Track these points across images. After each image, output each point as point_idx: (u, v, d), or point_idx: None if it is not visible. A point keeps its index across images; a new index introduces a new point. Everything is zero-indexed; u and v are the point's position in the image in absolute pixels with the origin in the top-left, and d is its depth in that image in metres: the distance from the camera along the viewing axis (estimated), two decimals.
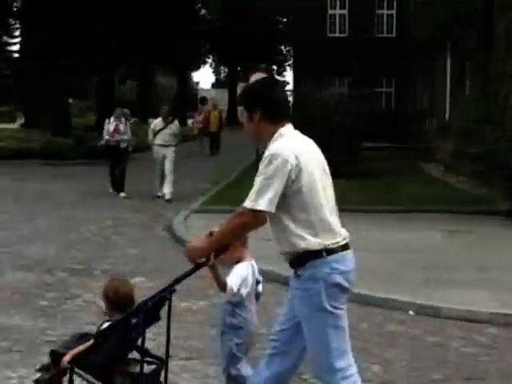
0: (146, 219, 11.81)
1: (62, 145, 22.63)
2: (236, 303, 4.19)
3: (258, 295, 4.40)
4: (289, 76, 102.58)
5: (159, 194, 14.17)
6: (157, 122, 14.48)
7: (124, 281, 4.40)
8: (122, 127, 14.61)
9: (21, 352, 5.37)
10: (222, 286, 4.04)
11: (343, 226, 3.70)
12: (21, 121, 38.99)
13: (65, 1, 26.08)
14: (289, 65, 66.08)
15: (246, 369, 4.26)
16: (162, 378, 3.95)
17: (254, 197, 3.48)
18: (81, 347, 3.93)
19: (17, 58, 54.86)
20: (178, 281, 3.73)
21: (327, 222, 3.58)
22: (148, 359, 4.00)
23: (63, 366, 3.88)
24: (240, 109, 3.72)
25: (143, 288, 6.89)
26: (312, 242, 3.52)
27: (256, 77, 25.19)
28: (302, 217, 3.54)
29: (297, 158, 3.50)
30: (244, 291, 4.14)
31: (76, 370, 3.84)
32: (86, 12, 27.23)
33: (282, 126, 3.66)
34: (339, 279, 3.54)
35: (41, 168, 20.18)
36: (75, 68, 32.05)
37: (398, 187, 15.26)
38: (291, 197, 3.52)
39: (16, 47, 59.88)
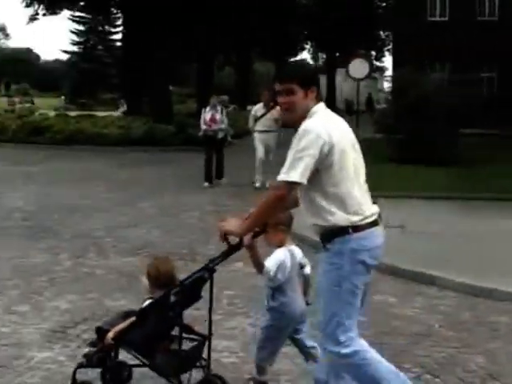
0: (246, 206, 11.90)
1: (164, 132, 23.06)
2: (275, 287, 4.30)
3: (306, 278, 4.51)
4: (388, 62, 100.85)
5: (257, 184, 14.01)
6: (258, 108, 14.27)
7: (165, 259, 4.53)
8: (218, 116, 14.59)
9: None
10: (259, 268, 4.16)
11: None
12: (123, 108, 39.90)
13: None
14: (388, 50, 65.19)
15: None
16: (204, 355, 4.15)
17: (286, 170, 3.61)
18: (122, 324, 4.16)
19: (119, 46, 56.33)
20: (212, 261, 3.97)
21: (356, 198, 3.68)
22: (191, 336, 4.21)
23: (107, 342, 4.12)
24: (285, 86, 3.78)
25: (242, 274, 7.02)
26: (340, 217, 3.65)
27: (355, 63, 25.07)
28: (332, 192, 3.67)
29: (329, 134, 3.63)
30: (281, 276, 4.23)
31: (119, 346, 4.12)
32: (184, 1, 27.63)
33: (318, 103, 3.82)
34: (364, 256, 3.67)
35: (143, 155, 20.68)
36: (176, 56, 32.62)
37: (500, 175, 14.79)
38: (323, 172, 3.65)
39: (118, 36, 61.59)
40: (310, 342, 4.49)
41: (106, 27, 71.39)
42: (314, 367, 4.23)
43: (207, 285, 4.03)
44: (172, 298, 4.01)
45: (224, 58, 54.60)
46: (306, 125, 3.68)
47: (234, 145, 18.84)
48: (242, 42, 46.72)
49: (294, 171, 3.57)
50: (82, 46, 71.19)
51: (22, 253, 8.19)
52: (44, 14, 35.29)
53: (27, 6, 34.44)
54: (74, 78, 68.98)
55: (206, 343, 4.13)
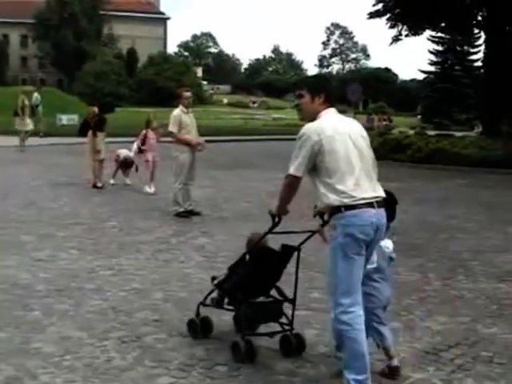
0: None
1: None
2: (366, 274, 4.72)
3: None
4: None
5: None
6: None
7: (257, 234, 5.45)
8: None
9: (503, 365, 5.26)
10: None
11: None
12: (478, 129, 39.04)
13: None
14: None
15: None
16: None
17: (289, 165, 4.60)
18: (222, 276, 5.47)
19: (477, 66, 55.27)
20: (260, 239, 5.30)
21: (347, 185, 4.46)
22: (276, 297, 5.44)
23: (212, 285, 5.54)
24: (297, 92, 4.87)
25: None
26: (333, 199, 4.47)
27: None
28: (326, 181, 4.53)
29: (319, 134, 4.50)
30: (368, 266, 4.75)
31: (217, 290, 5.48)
32: None
33: (327, 109, 4.70)
34: (353, 230, 4.43)
35: (503, 177, 19.91)
36: None
37: None
38: (319, 166, 4.54)
39: (476, 56, 60.50)
40: (385, 331, 4.96)
41: (465, 47, 70.83)
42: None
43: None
44: (247, 258, 5.32)
45: None
46: (303, 128, 4.63)
47: None
48: None
49: (292, 166, 4.59)
50: (439, 66, 71.45)
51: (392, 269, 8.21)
52: (407, 35, 35.96)
53: (391, 27, 35.36)
54: (430, 97, 69.46)
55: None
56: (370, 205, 4.49)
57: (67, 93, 62.59)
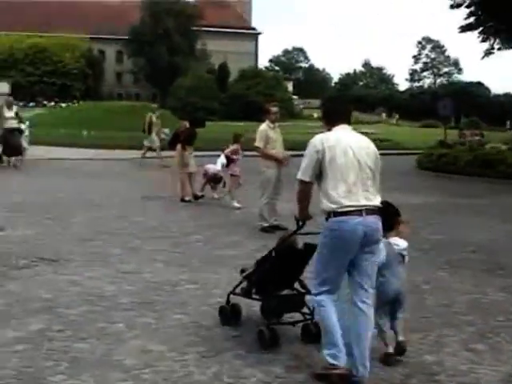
0: None
1: None
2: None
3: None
4: None
5: None
6: None
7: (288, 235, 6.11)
8: None
9: None
10: None
11: None
12: None
13: None
14: None
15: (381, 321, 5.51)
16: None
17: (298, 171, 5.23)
18: (250, 269, 6.13)
19: None
20: (286, 238, 6.03)
21: (338, 193, 5.01)
22: (299, 290, 6.08)
23: (241, 277, 6.20)
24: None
25: None
26: (325, 205, 5.06)
27: None
28: (323, 187, 5.11)
29: (322, 144, 5.10)
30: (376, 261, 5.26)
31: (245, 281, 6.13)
32: None
33: (337, 126, 5.31)
34: (339, 234, 4.99)
35: None
36: None
37: None
38: (321, 172, 5.10)
39: None
40: (398, 316, 5.61)
41: None
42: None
43: None
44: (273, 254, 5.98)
45: None
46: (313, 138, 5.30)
47: None
48: None
49: (299, 172, 5.20)
50: None
51: (479, 288, 8.01)
52: (499, 49, 35.22)
53: (483, 40, 34.70)
54: None
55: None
56: (358, 212, 5.01)
57: (160, 107, 63.95)
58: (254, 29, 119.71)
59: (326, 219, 5.06)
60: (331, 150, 5.07)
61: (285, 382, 5.04)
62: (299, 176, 5.16)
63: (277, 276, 5.90)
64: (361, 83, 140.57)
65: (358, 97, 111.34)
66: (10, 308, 6.55)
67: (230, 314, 6.30)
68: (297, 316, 6.06)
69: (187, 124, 16.40)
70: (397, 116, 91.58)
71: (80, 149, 29.83)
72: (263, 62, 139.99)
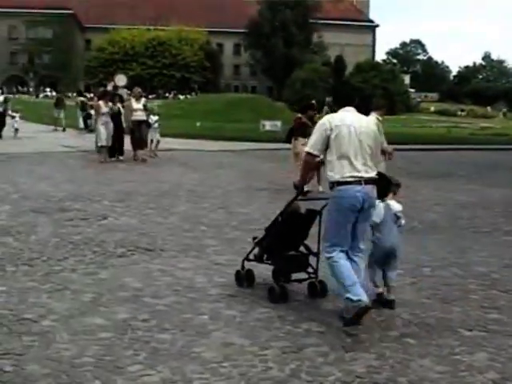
0: None
1: None
2: (373, 226, 6.41)
3: (400, 227, 6.63)
4: None
5: None
6: None
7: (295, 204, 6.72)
8: None
9: None
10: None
11: None
12: None
13: None
14: None
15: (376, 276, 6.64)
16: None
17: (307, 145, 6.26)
18: (261, 236, 6.88)
19: None
20: (288, 204, 6.63)
21: (344, 164, 5.91)
22: (303, 251, 6.84)
23: (253, 243, 6.98)
24: None
25: None
26: (330, 176, 6.02)
27: None
28: (329, 159, 6.01)
29: (330, 123, 6.04)
30: (375, 218, 6.34)
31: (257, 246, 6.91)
32: None
33: (342, 108, 6.26)
34: (341, 201, 5.93)
35: None
36: None
37: None
38: (328, 147, 5.99)
39: None
40: (391, 275, 6.60)
41: None
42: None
43: None
44: (279, 219, 6.66)
45: None
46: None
47: None
48: None
49: (308, 145, 6.17)
50: None
51: None
52: None
53: None
54: None
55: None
56: (357, 182, 5.93)
57: (276, 100, 64.19)
58: (371, 21, 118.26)
59: (331, 188, 6.07)
60: (337, 128, 6.01)
61: (364, 382, 4.87)
62: (308, 149, 6.14)
63: (283, 239, 6.64)
64: (480, 77, 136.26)
65: (477, 90, 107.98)
66: (100, 296, 6.65)
67: (244, 278, 7.07)
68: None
69: (301, 116, 16.26)
70: (504, 109, 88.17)
71: (193, 140, 30.31)
72: (380, 55, 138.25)
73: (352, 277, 5.92)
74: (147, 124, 21.46)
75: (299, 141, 15.24)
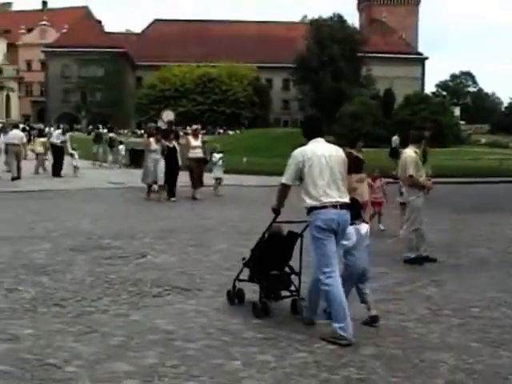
0: None
1: None
2: (345, 250, 6.95)
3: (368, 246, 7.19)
4: None
5: None
6: None
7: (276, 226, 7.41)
8: None
9: None
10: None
11: None
12: None
13: None
14: None
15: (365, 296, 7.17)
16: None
17: (283, 176, 6.87)
18: (248, 257, 7.57)
19: None
20: (269, 226, 7.32)
21: (319, 192, 6.62)
22: (286, 271, 7.46)
23: (242, 264, 7.69)
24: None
25: None
26: (307, 202, 6.69)
27: None
28: (305, 188, 6.72)
29: (302, 155, 6.73)
30: (349, 243, 6.91)
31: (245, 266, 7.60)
32: None
33: (313, 140, 6.91)
34: (319, 223, 6.60)
35: None
36: None
37: None
38: (302, 177, 6.71)
39: None
40: (366, 291, 7.10)
41: None
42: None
43: None
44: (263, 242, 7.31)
45: None
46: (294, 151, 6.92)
47: None
48: None
49: (283, 177, 6.84)
50: None
51: None
52: None
53: None
54: None
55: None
56: (333, 206, 6.61)
57: (325, 133, 63.95)
58: (420, 54, 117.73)
59: (308, 213, 6.71)
60: (309, 160, 6.67)
61: None
62: (283, 180, 6.86)
63: (267, 258, 7.28)
64: None
65: None
66: (129, 339, 6.40)
67: (234, 297, 7.73)
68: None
69: (352, 151, 15.86)
70: None
71: (240, 175, 30.16)
72: (430, 88, 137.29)
73: (343, 309, 6.47)
74: (205, 161, 21.20)
75: (353, 177, 14.74)
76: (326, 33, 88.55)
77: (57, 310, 7.37)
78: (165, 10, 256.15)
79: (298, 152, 6.81)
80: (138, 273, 9.43)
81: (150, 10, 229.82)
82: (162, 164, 19.66)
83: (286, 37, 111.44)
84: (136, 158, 31.35)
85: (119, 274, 9.28)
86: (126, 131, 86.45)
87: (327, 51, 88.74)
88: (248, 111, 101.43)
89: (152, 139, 20.24)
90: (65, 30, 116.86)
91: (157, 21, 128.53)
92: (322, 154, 6.70)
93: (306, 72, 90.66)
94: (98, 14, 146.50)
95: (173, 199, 19.66)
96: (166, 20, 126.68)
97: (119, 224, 14.37)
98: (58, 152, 27.50)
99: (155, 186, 19.91)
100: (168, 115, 36.45)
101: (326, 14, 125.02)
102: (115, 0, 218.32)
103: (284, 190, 6.91)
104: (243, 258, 7.61)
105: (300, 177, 6.70)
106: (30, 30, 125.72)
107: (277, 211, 7.07)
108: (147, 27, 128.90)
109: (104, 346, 6.19)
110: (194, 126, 22.04)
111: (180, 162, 20.30)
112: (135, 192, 21.40)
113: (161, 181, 19.67)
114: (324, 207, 6.56)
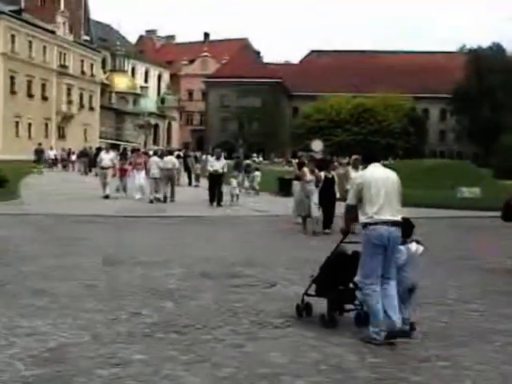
0: None
1: None
2: (398, 266, 7.63)
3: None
4: None
5: None
6: None
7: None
8: None
9: None
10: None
11: None
12: None
13: None
14: None
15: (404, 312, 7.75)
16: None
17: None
18: (316, 273, 8.25)
19: None
20: (337, 246, 8.14)
21: (373, 210, 7.42)
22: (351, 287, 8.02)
23: (310, 280, 8.38)
24: None
25: None
26: (362, 218, 7.53)
27: None
28: (362, 208, 7.56)
29: (362, 178, 7.75)
30: (400, 261, 7.64)
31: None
32: None
33: (371, 164, 7.89)
34: (371, 239, 7.41)
35: None
36: None
37: None
38: (362, 197, 7.55)
39: None
40: (408, 311, 7.84)
41: None
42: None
43: None
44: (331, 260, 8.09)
45: None
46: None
47: None
48: None
49: (348, 198, 7.90)
50: None
51: None
52: None
53: None
54: None
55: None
56: (385, 223, 7.38)
57: (481, 166, 61.62)
58: None
59: (363, 228, 7.50)
60: (367, 183, 7.56)
61: None
62: (348, 202, 7.77)
63: (334, 275, 7.93)
64: None
65: None
66: (237, 371, 6.26)
67: (303, 310, 8.36)
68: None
69: None
70: None
71: None
72: None
73: (379, 316, 7.33)
74: None
75: None
76: (486, 63, 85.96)
77: (174, 337, 7.38)
78: (320, 42, 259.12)
79: (359, 175, 8.12)
80: (263, 302, 9.33)
81: (306, 41, 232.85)
82: (315, 196, 18.69)
83: (443, 67, 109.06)
84: (284, 186, 31.32)
85: (244, 303, 9.20)
86: (280, 159, 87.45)
87: (486, 81, 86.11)
88: (403, 141, 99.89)
89: (306, 169, 19.15)
90: (225, 61, 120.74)
91: (313, 52, 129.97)
92: (378, 177, 7.62)
93: (464, 102, 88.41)
94: (256, 45, 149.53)
95: (327, 231, 18.47)
96: (322, 51, 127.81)
97: (256, 252, 14.41)
98: (216, 179, 26.55)
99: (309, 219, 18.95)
100: (317, 145, 36.44)
101: (484, 43, 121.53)
102: (273, 31, 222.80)
103: (349, 210, 7.76)
104: (311, 275, 8.25)
105: (360, 197, 7.53)
106: (191, 61, 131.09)
107: (345, 232, 7.88)
108: (304, 58, 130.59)
109: (211, 377, 6.10)
110: (354, 157, 19.90)
111: (338, 194, 19.02)
112: (279, 220, 21.43)
113: (315, 213, 18.76)
114: (376, 223, 7.37)
